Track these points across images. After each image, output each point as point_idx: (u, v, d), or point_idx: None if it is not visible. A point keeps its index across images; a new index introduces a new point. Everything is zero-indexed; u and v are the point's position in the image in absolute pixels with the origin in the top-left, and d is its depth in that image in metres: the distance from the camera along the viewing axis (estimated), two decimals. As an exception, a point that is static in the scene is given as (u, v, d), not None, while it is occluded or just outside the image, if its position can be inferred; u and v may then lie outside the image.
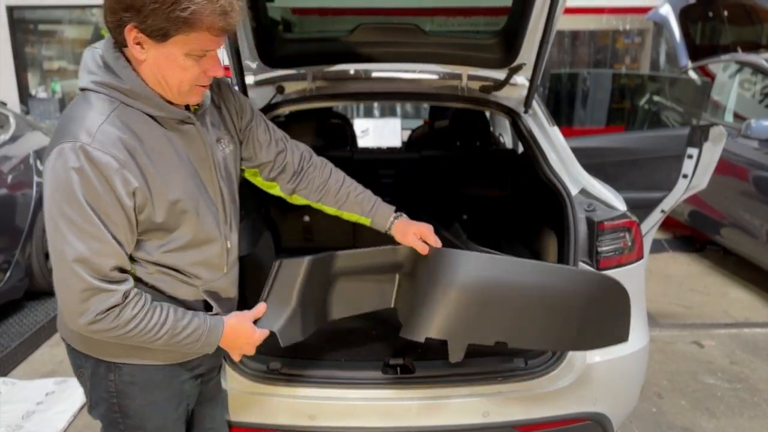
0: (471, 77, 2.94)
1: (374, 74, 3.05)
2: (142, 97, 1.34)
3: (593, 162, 3.65)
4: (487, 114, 3.92)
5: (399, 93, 2.97)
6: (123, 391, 1.50)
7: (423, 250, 1.75)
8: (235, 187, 1.62)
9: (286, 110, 3.08)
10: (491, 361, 2.11)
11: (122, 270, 1.35)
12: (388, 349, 2.27)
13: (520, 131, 2.70)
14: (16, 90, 8.00)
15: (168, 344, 1.42)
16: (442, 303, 1.67)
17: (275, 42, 2.69)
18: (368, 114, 8.87)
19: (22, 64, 8.15)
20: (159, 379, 1.52)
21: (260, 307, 1.61)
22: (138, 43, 1.30)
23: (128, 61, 1.35)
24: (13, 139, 4.21)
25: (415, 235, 1.76)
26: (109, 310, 1.31)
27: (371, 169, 3.38)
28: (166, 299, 1.46)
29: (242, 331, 1.55)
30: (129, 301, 1.34)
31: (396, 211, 1.80)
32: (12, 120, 4.39)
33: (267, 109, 2.71)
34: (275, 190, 1.80)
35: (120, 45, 1.34)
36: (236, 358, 1.63)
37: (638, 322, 2.19)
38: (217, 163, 1.51)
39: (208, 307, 1.55)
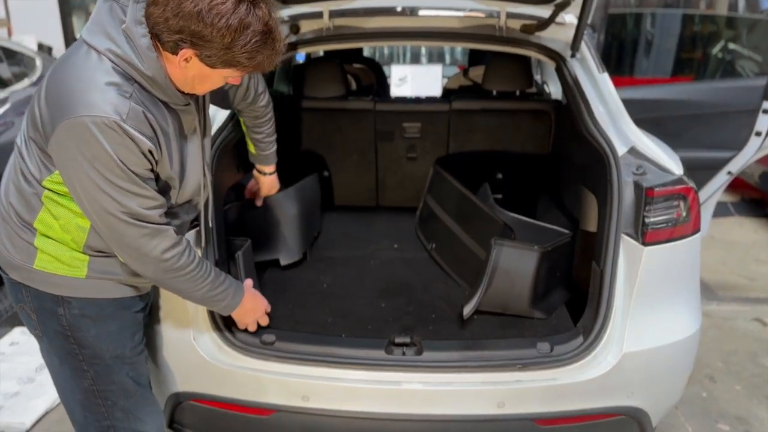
0: (510, 15, 2.59)
1: (400, 11, 2.73)
2: (158, 86, 1.35)
3: (652, 116, 3.26)
4: (532, 59, 3.53)
5: (425, 33, 2.64)
6: (74, 324, 1.52)
7: (259, 204, 2.34)
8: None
9: (302, 52, 2.81)
10: (511, 344, 1.86)
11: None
12: (396, 325, 2.05)
13: (564, 78, 2.37)
14: (61, 35, 8.02)
15: (205, 297, 1.57)
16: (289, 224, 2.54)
17: (287, -25, 2.40)
18: (414, 60, 8.43)
19: (67, 9, 8.14)
20: (110, 311, 1.55)
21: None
22: (185, 60, 1.30)
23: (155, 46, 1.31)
24: (40, 81, 4.12)
25: (266, 189, 2.24)
26: (171, 248, 1.43)
27: (394, 122, 3.08)
28: None
29: (258, 299, 1.83)
30: (185, 248, 1.48)
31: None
32: (38, 62, 4.29)
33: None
34: None
35: (156, 39, 1.29)
36: (252, 327, 1.84)
37: (689, 305, 1.88)
38: (204, 131, 1.59)
39: None
